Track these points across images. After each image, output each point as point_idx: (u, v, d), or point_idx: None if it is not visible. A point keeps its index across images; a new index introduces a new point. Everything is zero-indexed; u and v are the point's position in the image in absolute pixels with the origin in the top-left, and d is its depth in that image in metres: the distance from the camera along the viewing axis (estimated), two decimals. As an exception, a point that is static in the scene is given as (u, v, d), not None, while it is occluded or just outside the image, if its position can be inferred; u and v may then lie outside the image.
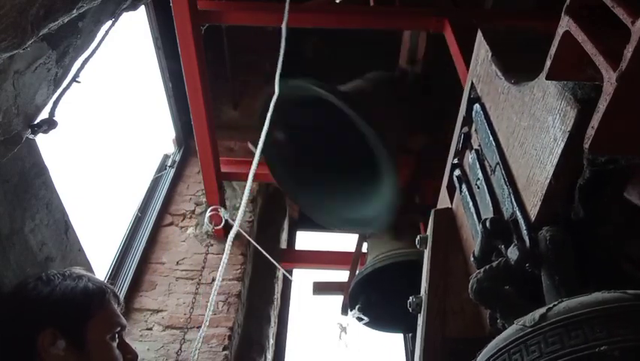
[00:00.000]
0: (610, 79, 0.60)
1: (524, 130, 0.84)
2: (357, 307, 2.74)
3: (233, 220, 3.12)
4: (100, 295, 1.25)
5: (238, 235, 3.16)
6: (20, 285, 1.23)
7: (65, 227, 1.58)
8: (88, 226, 2.17)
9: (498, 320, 0.83)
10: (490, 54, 1.03)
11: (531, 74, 0.82)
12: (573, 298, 0.66)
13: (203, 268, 2.93)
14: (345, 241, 4.31)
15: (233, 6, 2.77)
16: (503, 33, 1.12)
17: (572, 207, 0.78)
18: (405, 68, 2.89)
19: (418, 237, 1.21)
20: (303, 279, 3.92)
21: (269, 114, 1.74)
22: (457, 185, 1.15)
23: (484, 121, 1.02)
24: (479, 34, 1.11)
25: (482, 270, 0.83)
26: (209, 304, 1.36)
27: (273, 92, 1.84)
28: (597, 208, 0.81)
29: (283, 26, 2.04)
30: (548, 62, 0.73)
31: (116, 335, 1.25)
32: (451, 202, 1.24)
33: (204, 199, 3.28)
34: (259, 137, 1.72)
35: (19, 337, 1.15)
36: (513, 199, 0.86)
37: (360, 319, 2.76)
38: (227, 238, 3.11)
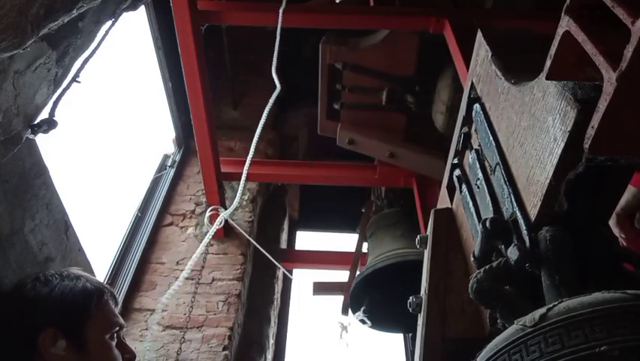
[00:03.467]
0: (610, 79, 0.60)
1: (524, 130, 0.84)
2: (362, 309, 2.73)
3: (234, 220, 3.13)
4: (99, 295, 1.25)
5: (238, 235, 3.17)
6: (18, 286, 1.23)
7: (65, 227, 1.58)
8: (88, 225, 2.17)
9: (498, 320, 0.83)
10: (490, 54, 1.03)
11: (531, 74, 0.82)
12: (573, 298, 0.66)
13: (203, 267, 2.93)
14: (345, 241, 4.31)
15: (233, 6, 2.78)
16: (503, 33, 1.12)
17: (572, 204, 0.78)
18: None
19: (418, 237, 1.21)
20: (303, 279, 3.93)
21: (266, 111, 1.74)
22: (456, 185, 1.15)
23: (484, 121, 1.02)
24: (479, 34, 1.11)
25: (482, 270, 0.83)
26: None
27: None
28: (597, 207, 0.81)
29: (279, 24, 2.05)
30: (548, 62, 0.73)
31: (115, 335, 1.25)
32: (451, 202, 1.24)
33: (204, 199, 3.28)
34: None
35: (19, 337, 1.15)
36: (513, 199, 0.86)
37: (363, 322, 2.76)
38: (226, 236, 3.13)
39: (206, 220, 3.07)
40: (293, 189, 4.55)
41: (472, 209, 1.02)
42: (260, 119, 2.34)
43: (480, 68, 1.09)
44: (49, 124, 1.40)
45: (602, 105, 0.62)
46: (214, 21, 2.68)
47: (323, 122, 3.26)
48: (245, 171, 1.64)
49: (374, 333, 2.94)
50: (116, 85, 3.09)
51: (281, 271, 3.64)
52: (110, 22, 1.64)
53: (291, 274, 3.50)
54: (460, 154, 1.18)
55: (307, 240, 4.79)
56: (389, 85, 2.91)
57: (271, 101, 1.77)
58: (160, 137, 3.86)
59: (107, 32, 1.64)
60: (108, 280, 2.63)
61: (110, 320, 1.26)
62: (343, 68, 2.97)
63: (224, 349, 2.65)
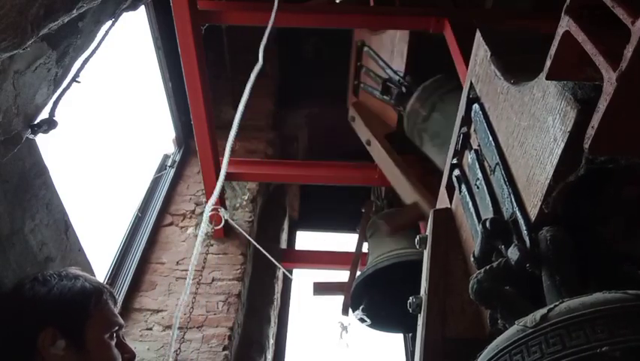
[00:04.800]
0: (610, 79, 0.60)
1: (524, 130, 0.84)
2: (360, 308, 2.73)
3: (234, 220, 3.13)
4: (97, 295, 1.25)
5: (238, 235, 3.17)
6: (16, 286, 1.23)
7: (65, 227, 1.58)
8: (88, 225, 2.17)
9: (498, 321, 0.83)
10: (489, 54, 1.03)
11: (531, 74, 0.82)
12: (574, 298, 0.66)
13: (203, 268, 2.93)
14: (345, 241, 4.31)
15: (233, 6, 2.77)
16: (502, 33, 1.12)
17: (572, 206, 0.78)
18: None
19: (418, 237, 1.21)
20: (303, 279, 3.92)
21: (248, 86, 1.71)
22: (456, 185, 1.15)
23: (484, 121, 1.02)
24: (478, 34, 1.11)
25: (483, 270, 0.83)
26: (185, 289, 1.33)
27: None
28: (597, 208, 0.81)
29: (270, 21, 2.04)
30: (548, 62, 0.73)
31: (114, 335, 1.25)
32: (451, 202, 1.24)
33: (204, 199, 3.28)
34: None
35: (18, 337, 1.15)
36: (513, 199, 0.86)
37: (362, 320, 2.76)
38: (226, 236, 3.13)
39: (205, 220, 3.07)
40: (293, 189, 4.55)
41: (472, 209, 1.02)
42: (260, 119, 2.34)
43: (479, 68, 1.09)
44: (49, 124, 1.40)
45: (602, 105, 0.62)
46: (214, 21, 2.68)
47: (350, 96, 3.44)
48: (226, 156, 1.60)
49: (374, 333, 2.94)
50: (116, 85, 3.09)
51: (281, 271, 3.64)
52: (110, 22, 1.64)
53: (291, 274, 3.50)
54: (459, 154, 1.18)
55: (307, 240, 4.79)
56: (388, 75, 2.93)
57: (252, 76, 1.75)
58: (160, 137, 3.87)
59: (107, 32, 1.64)
60: (108, 280, 2.63)
61: (109, 319, 1.26)
62: (362, 48, 3.01)
63: (224, 349, 2.65)
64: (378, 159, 3.01)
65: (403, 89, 2.81)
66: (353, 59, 3.32)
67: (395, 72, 2.88)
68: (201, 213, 3.23)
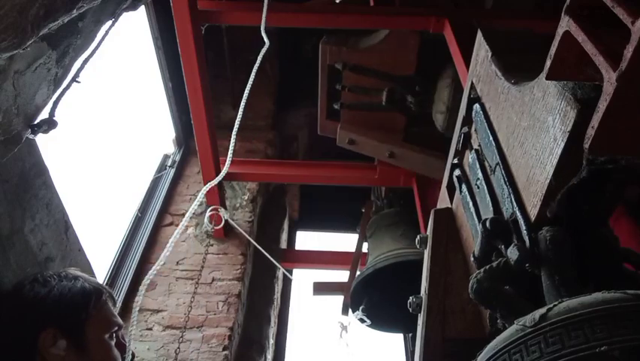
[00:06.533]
0: (610, 79, 0.60)
1: (524, 130, 0.84)
2: (360, 308, 2.73)
3: (234, 220, 3.13)
4: (97, 296, 1.25)
5: (238, 235, 3.17)
6: (16, 287, 1.24)
7: (65, 227, 1.58)
8: (88, 225, 2.17)
9: (498, 320, 0.83)
10: (490, 54, 1.03)
11: (531, 74, 0.82)
12: (573, 298, 0.66)
13: (203, 267, 2.93)
14: (345, 241, 4.31)
15: (233, 6, 2.77)
16: (503, 33, 1.12)
17: (573, 207, 0.78)
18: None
19: (418, 237, 1.21)
20: (303, 279, 3.92)
21: (255, 66, 1.67)
22: (456, 185, 1.15)
23: (484, 121, 1.02)
24: (479, 34, 1.11)
25: (482, 270, 0.83)
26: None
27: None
28: (597, 208, 0.81)
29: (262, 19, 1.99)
30: (548, 62, 0.73)
31: (114, 335, 1.26)
32: (451, 202, 1.24)
33: (204, 199, 3.28)
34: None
35: (19, 337, 1.15)
36: (513, 199, 0.86)
37: (362, 320, 2.76)
38: (226, 236, 3.12)
39: (206, 220, 3.07)
40: (293, 189, 4.55)
41: (472, 209, 1.02)
42: (260, 119, 2.34)
43: (480, 67, 1.09)
44: (49, 124, 1.40)
45: (602, 105, 0.62)
46: (214, 21, 2.68)
47: (323, 122, 3.27)
48: (231, 147, 1.58)
49: (374, 333, 2.94)
50: (116, 85, 3.09)
51: (281, 271, 3.64)
52: (110, 22, 1.64)
53: (291, 274, 3.50)
54: (459, 154, 1.18)
55: (307, 240, 4.79)
56: (389, 85, 2.91)
57: (260, 57, 1.72)
58: (160, 137, 3.87)
59: (107, 32, 1.64)
60: (108, 280, 2.63)
61: (108, 319, 1.26)
62: (343, 69, 2.97)
63: (224, 349, 2.65)
64: (412, 164, 3.02)
65: (417, 88, 2.81)
66: (324, 83, 3.09)
67: (404, 78, 2.86)
68: (202, 214, 3.23)
